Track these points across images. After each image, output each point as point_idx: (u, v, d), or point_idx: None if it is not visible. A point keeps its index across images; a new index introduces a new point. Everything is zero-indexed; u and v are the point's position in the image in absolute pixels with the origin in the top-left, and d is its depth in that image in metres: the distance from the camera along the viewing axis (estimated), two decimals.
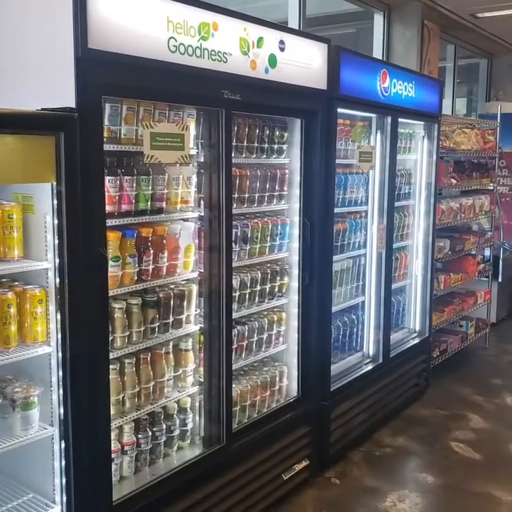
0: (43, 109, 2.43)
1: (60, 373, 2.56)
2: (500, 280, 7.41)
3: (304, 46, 3.69)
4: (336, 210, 4.35)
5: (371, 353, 5.06)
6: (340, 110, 4.17)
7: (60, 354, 2.55)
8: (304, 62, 3.68)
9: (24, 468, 2.78)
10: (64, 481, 2.62)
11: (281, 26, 3.50)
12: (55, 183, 2.46)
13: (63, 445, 2.60)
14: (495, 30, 8.36)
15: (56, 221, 2.50)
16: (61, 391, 2.57)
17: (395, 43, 7.34)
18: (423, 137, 5.55)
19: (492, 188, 6.98)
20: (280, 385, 4.18)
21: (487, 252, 7.16)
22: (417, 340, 5.65)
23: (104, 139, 2.79)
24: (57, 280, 2.53)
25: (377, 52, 7.26)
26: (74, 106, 2.49)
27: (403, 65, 5.52)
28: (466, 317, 6.68)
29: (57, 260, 2.52)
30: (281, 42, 3.49)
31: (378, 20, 7.32)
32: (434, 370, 5.93)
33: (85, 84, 2.51)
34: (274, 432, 3.90)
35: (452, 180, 6.03)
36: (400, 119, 4.93)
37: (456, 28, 7.95)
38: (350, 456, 4.56)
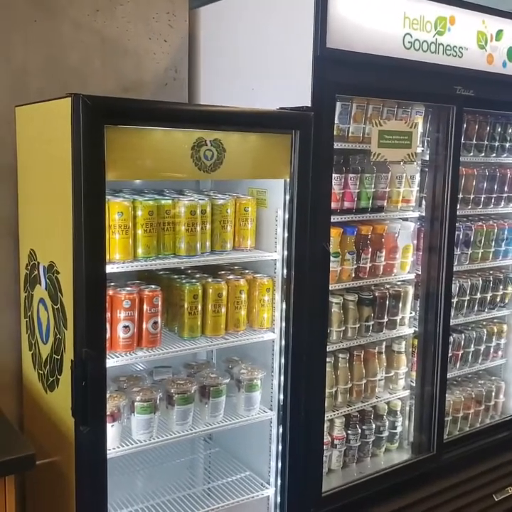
0: (280, 109, 2.55)
1: (282, 360, 2.68)
2: None
3: None
4: None
5: None
6: None
7: (283, 341, 2.67)
8: None
9: (243, 446, 2.96)
10: (279, 464, 2.73)
11: None
12: (288, 180, 2.57)
13: (280, 430, 2.71)
14: None
15: (287, 215, 2.61)
16: (282, 377, 2.68)
17: None
18: None
19: None
20: (496, 401, 3.90)
21: None
22: None
23: (334, 137, 2.85)
24: (285, 271, 2.64)
25: None
26: (309, 104, 2.58)
27: None
28: None
29: (285, 252, 2.63)
30: None
31: None
32: None
33: (321, 83, 2.58)
34: (487, 449, 3.65)
35: None
36: None
37: None
38: None
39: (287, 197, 2.60)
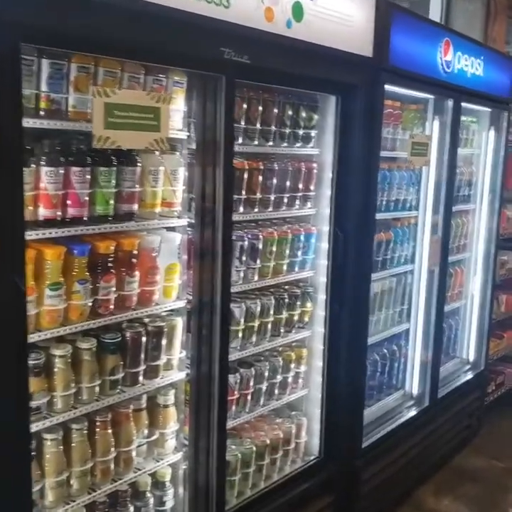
0: None
1: None
2: None
3: None
4: (379, 215, 3.38)
5: (415, 392, 4.09)
6: (388, 87, 3.17)
7: None
8: (341, 16, 2.69)
9: None
10: None
11: None
12: None
13: None
14: None
15: None
16: None
17: (456, 17, 6.31)
18: (489, 127, 4.50)
19: None
20: (297, 441, 3.26)
21: None
22: (470, 375, 4.64)
23: (41, 113, 1.96)
24: None
25: None
26: None
27: None
28: None
29: None
30: None
31: None
32: (487, 407, 4.90)
33: None
34: (287, 508, 2.96)
35: None
36: (463, 104, 3.90)
37: None
38: None
39: None
